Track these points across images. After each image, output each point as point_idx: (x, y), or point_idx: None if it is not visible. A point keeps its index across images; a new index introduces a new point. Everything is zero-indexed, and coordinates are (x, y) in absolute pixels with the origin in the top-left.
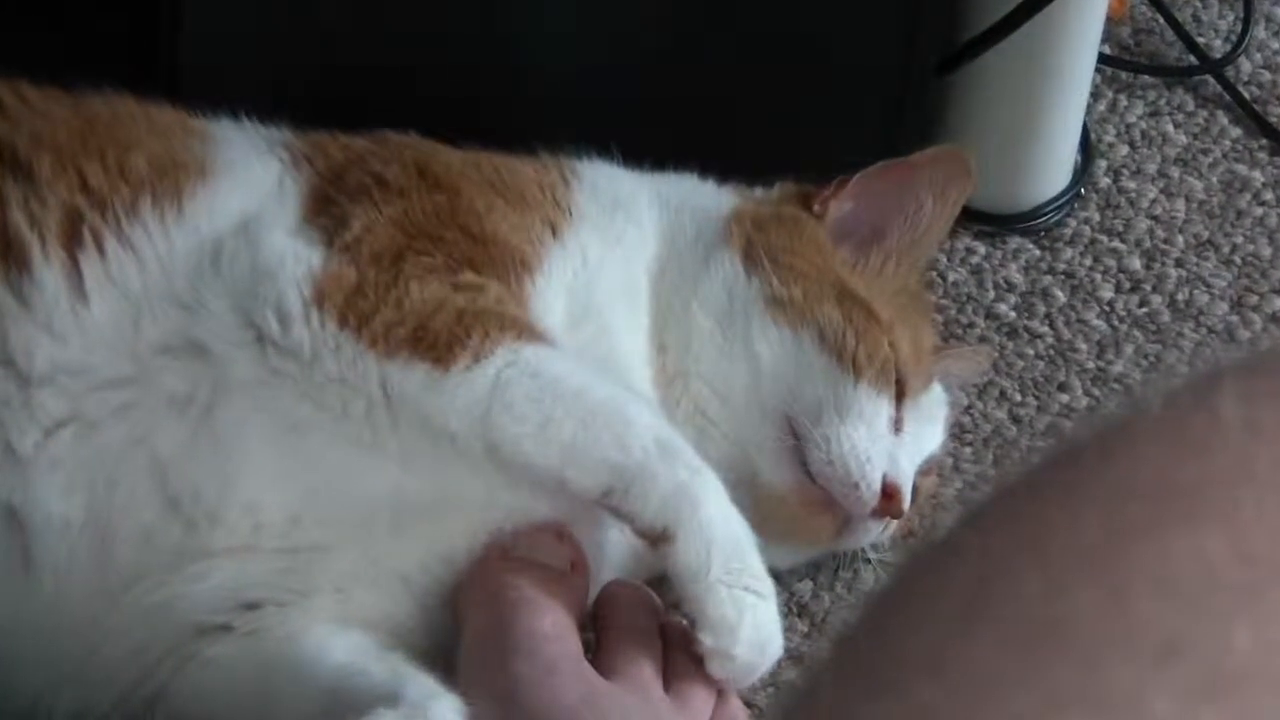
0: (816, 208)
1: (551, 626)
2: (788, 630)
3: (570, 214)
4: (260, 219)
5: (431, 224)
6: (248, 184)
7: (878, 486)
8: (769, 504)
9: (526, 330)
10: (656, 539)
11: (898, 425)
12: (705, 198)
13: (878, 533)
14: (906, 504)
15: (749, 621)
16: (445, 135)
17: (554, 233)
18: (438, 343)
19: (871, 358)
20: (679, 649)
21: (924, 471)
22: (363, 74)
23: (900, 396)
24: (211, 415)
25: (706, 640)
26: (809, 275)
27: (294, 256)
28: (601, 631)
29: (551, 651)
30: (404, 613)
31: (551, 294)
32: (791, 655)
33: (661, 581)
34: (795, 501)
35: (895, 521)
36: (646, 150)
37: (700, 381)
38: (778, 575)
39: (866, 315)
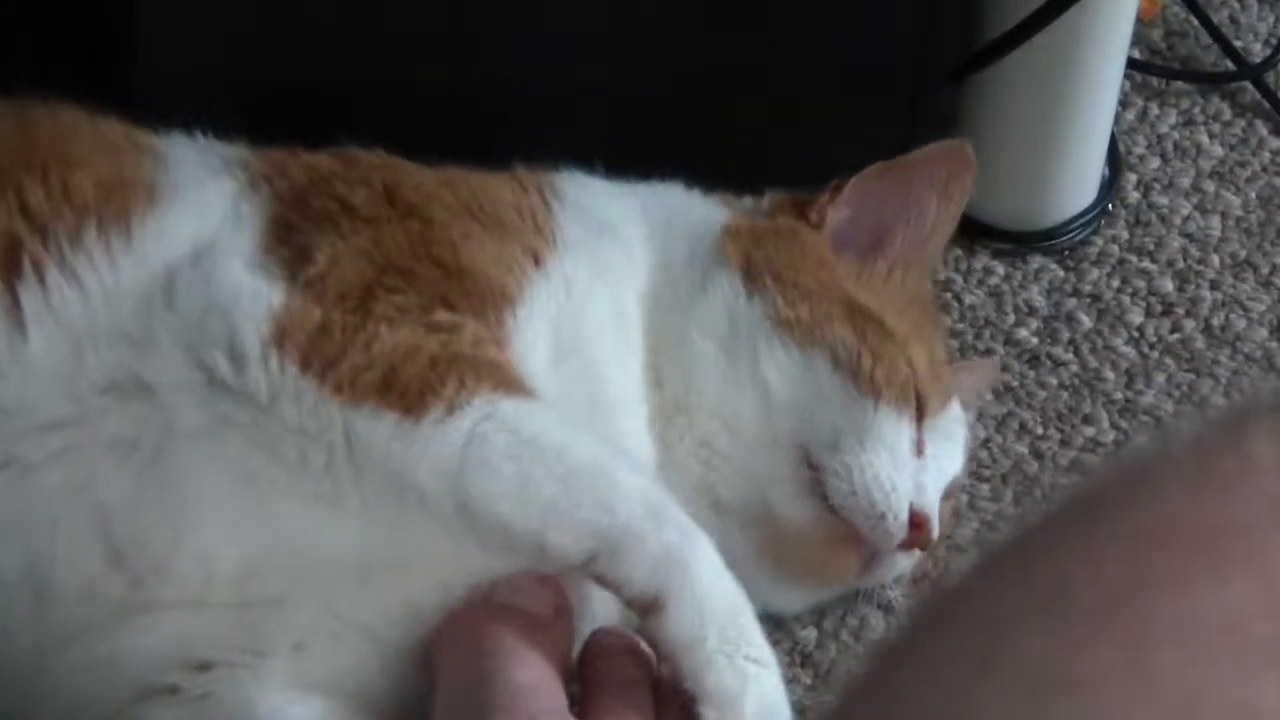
0: (813, 217)
1: (533, 679)
2: (791, 681)
3: (553, 240)
4: (215, 248)
5: (403, 256)
6: (201, 208)
7: (905, 516)
8: (787, 542)
9: (505, 380)
10: (647, 608)
11: (919, 448)
12: (695, 212)
13: (904, 566)
14: (935, 533)
15: (753, 693)
16: (416, 147)
17: (536, 261)
18: (408, 391)
19: (890, 378)
20: (673, 704)
21: (945, 496)
22: (329, 82)
23: (920, 417)
24: (158, 461)
25: (710, 715)
26: (815, 292)
27: (251, 293)
28: (588, 684)
29: (533, 707)
30: (369, 671)
31: (534, 329)
32: (795, 708)
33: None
34: (816, 538)
35: (920, 553)
36: (650, 154)
37: (704, 414)
38: (781, 622)
39: (880, 332)
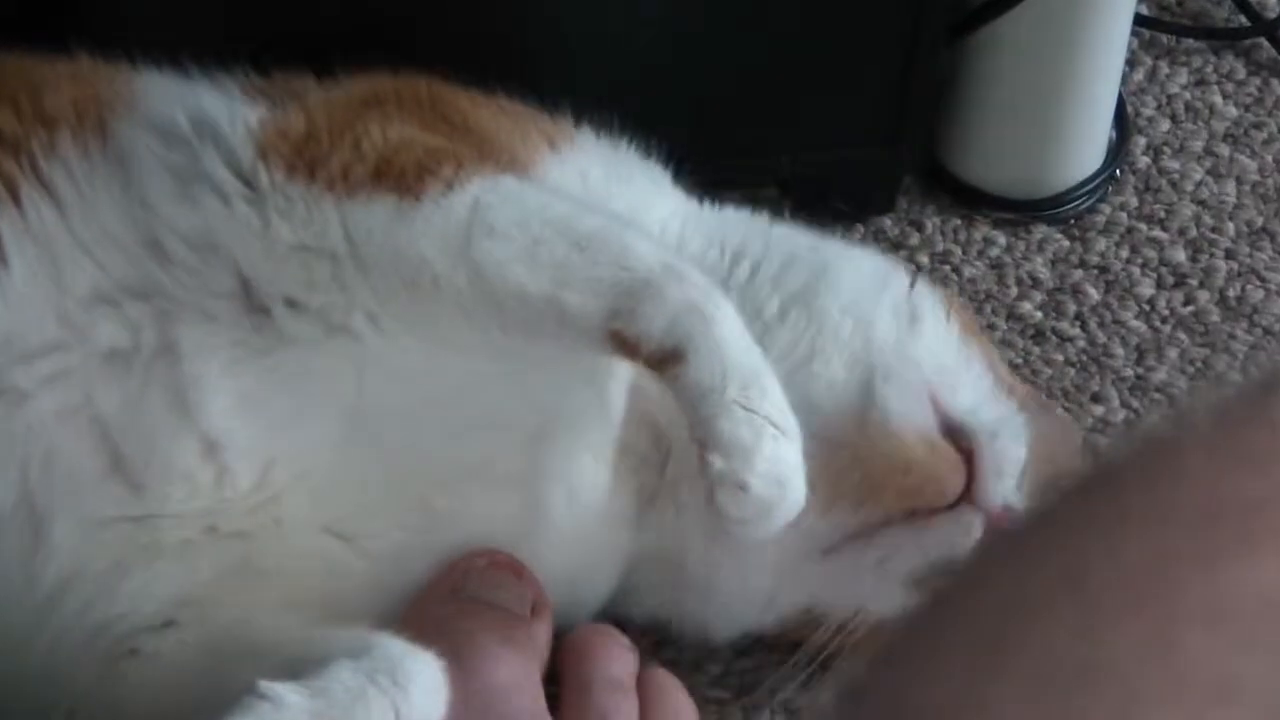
0: None
1: (508, 679)
2: (783, 679)
3: (571, 140)
4: (191, 105)
5: (406, 102)
6: (187, 94)
7: (1010, 493)
8: (878, 447)
9: (508, 168)
10: (666, 361)
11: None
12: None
13: (964, 540)
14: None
15: (767, 451)
16: None
17: (551, 145)
18: (405, 175)
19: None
20: (657, 705)
21: None
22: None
23: None
24: (163, 357)
25: (716, 463)
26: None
27: (228, 118)
28: (567, 684)
29: (508, 708)
30: (358, 596)
31: None
32: (791, 709)
33: (636, 628)
34: (923, 445)
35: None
36: (639, 116)
37: (832, 303)
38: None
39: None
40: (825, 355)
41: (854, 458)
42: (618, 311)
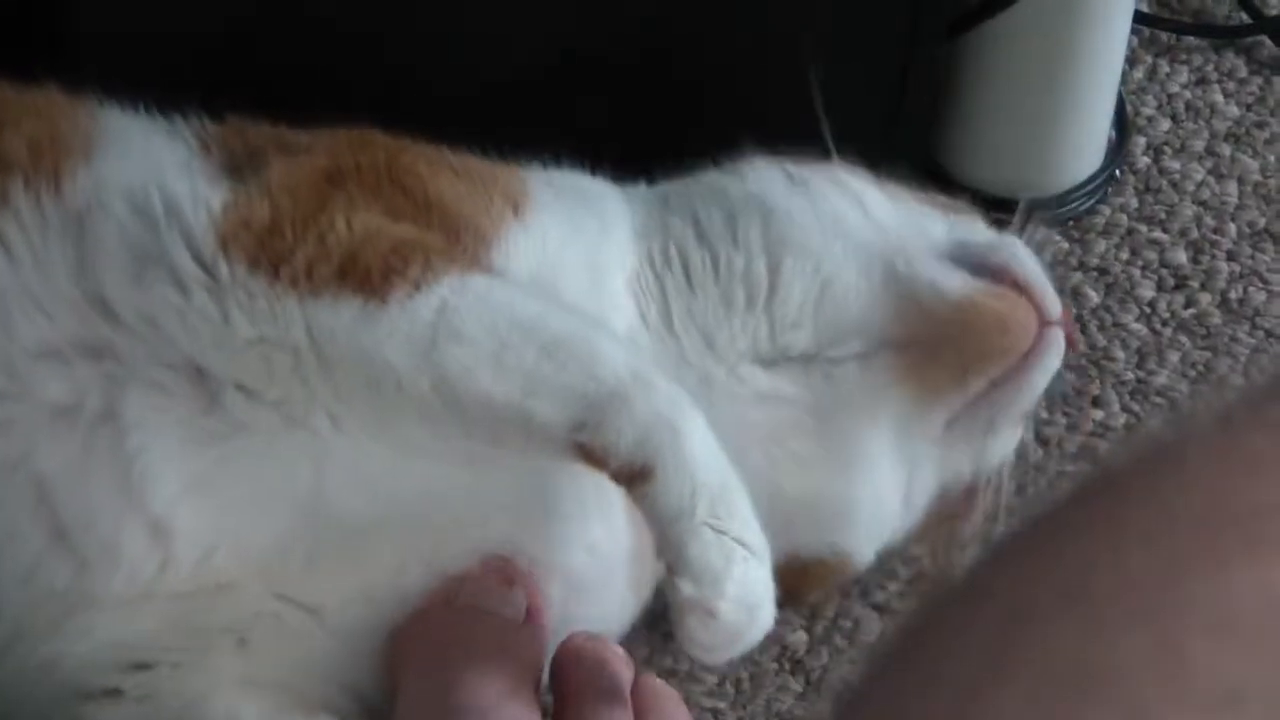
0: None
1: (501, 690)
2: (780, 689)
3: (529, 196)
4: (155, 174)
5: (365, 177)
6: (144, 154)
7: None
8: (948, 323)
9: (476, 264)
10: (633, 477)
11: None
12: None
13: (1058, 360)
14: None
15: (737, 574)
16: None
17: (515, 211)
18: (370, 274)
19: None
20: (653, 716)
21: None
22: (281, 69)
23: None
24: (107, 423)
25: (685, 588)
26: None
27: (191, 201)
28: (561, 694)
29: (502, 718)
30: (322, 664)
31: (511, 278)
32: (784, 718)
33: (634, 636)
34: (988, 294)
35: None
36: (639, 117)
37: (807, 235)
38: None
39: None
40: (838, 277)
41: (937, 342)
42: (584, 424)
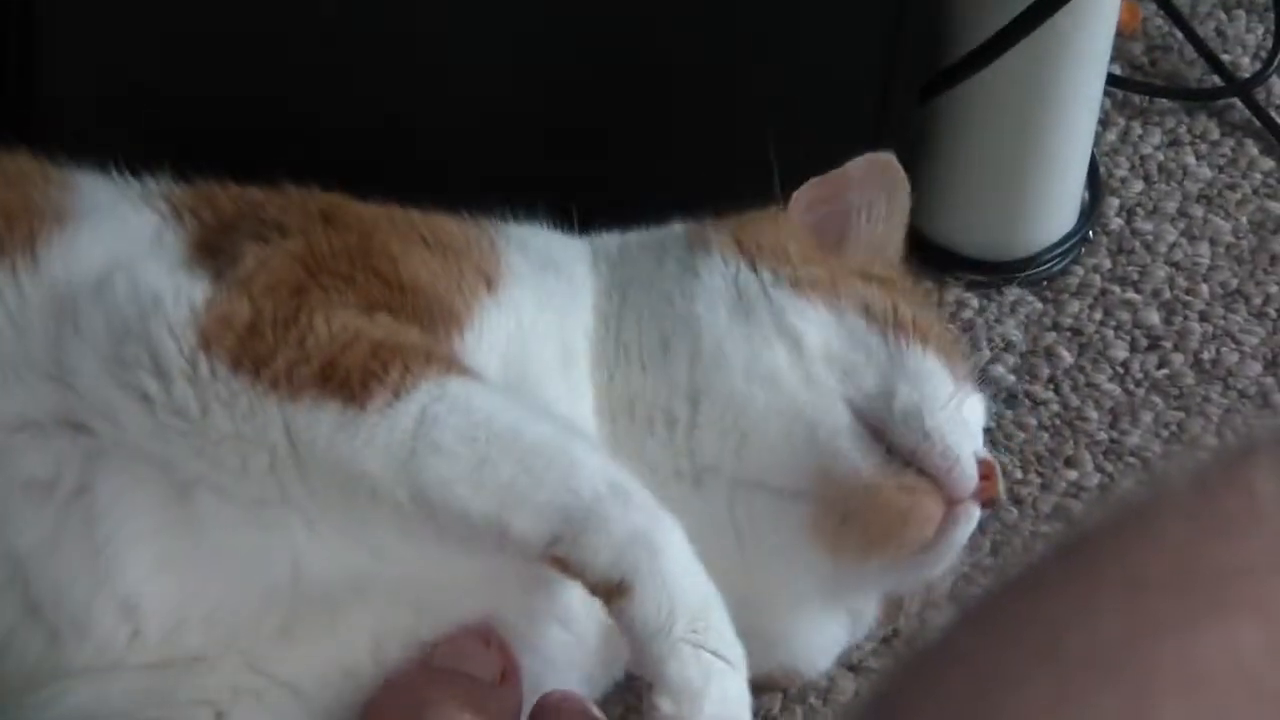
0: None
1: None
2: None
3: (501, 267)
4: (132, 260)
5: (339, 263)
6: (117, 230)
7: (973, 463)
8: (854, 501)
9: (454, 365)
10: (611, 593)
11: (956, 402)
12: (651, 233)
13: (970, 529)
14: (1000, 486)
15: (715, 692)
16: (344, 185)
17: (488, 286)
18: (350, 379)
19: (929, 327)
20: None
21: None
22: (255, 126)
23: (951, 371)
24: (81, 498)
25: (665, 707)
26: (819, 260)
27: (173, 295)
28: None
29: None
30: None
31: (484, 357)
32: None
33: (609, 695)
34: (891, 485)
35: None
36: (608, 175)
37: (729, 377)
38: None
39: (903, 290)
40: (757, 431)
41: (846, 513)
42: (560, 538)
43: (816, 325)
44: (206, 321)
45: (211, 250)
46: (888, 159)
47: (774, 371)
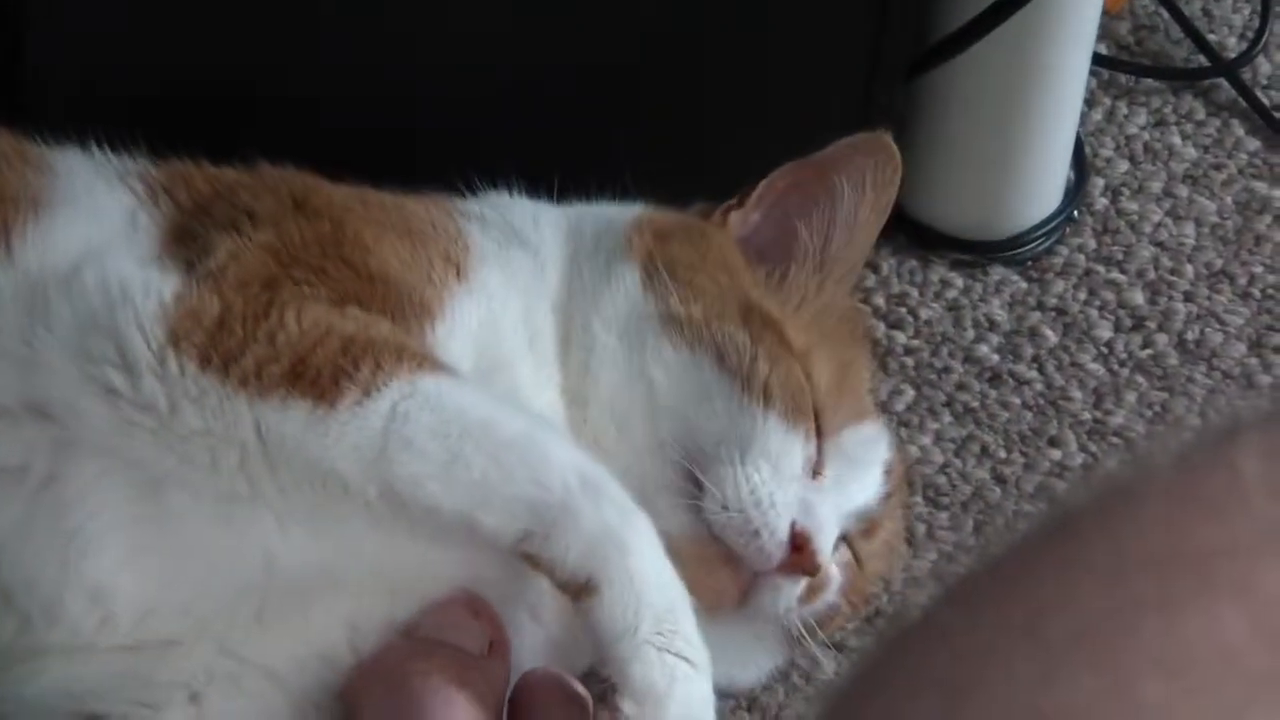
0: (717, 218)
1: None
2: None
3: (469, 252)
4: (103, 250)
5: (311, 254)
6: (92, 217)
7: (784, 535)
8: (673, 557)
9: (425, 360)
10: (578, 591)
11: (815, 468)
12: (611, 211)
13: (791, 596)
14: (822, 558)
15: (679, 694)
16: (322, 163)
17: (458, 274)
18: (320, 377)
19: (783, 386)
20: None
21: (864, 531)
22: (228, 96)
23: (820, 435)
24: (49, 487)
25: (628, 709)
26: (711, 292)
27: (142, 289)
28: None
29: None
30: (277, 718)
31: (458, 346)
32: None
33: (591, 674)
34: (691, 555)
35: (809, 581)
36: (594, 159)
37: (599, 408)
38: None
39: (777, 339)
40: (611, 463)
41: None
42: (531, 534)
43: (670, 370)
44: (175, 317)
45: (184, 237)
46: (875, 138)
47: (627, 413)
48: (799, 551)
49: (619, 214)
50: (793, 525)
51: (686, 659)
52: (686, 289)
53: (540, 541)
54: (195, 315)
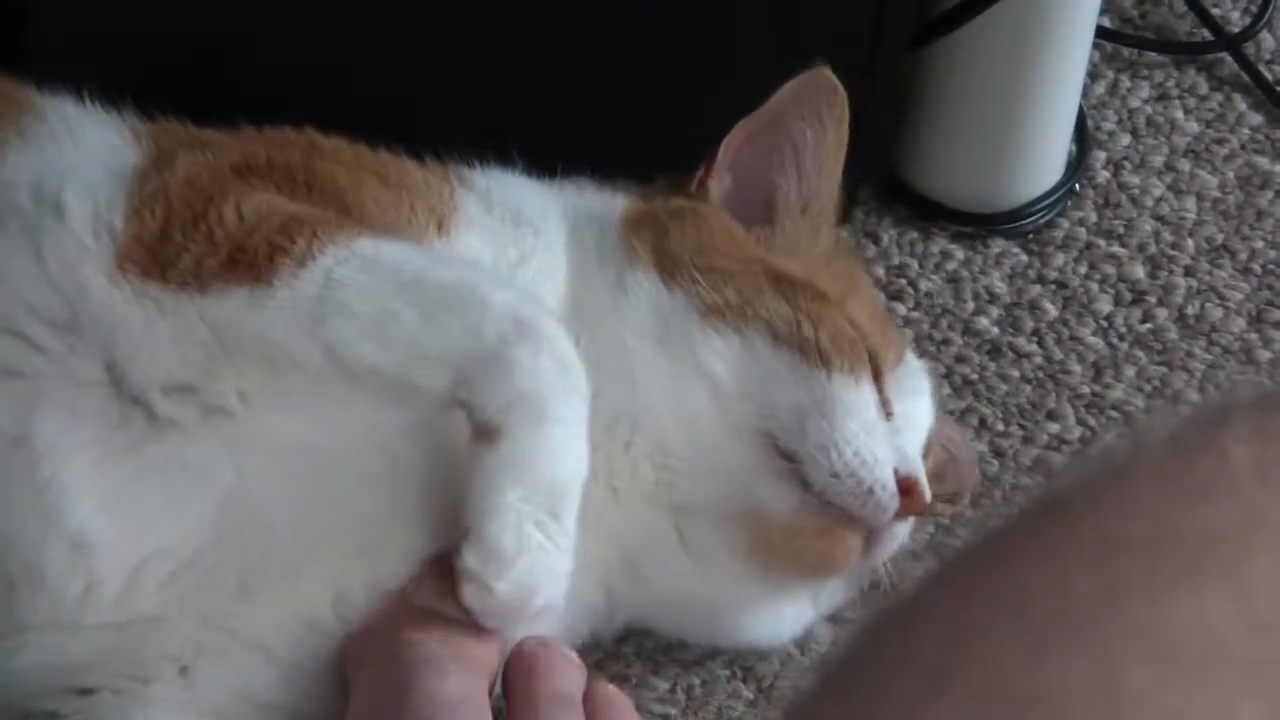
0: (694, 190)
1: (456, 691)
2: (731, 696)
3: (458, 214)
4: (71, 183)
5: (277, 170)
6: (67, 152)
7: (894, 486)
8: (779, 539)
9: (367, 226)
10: (482, 435)
11: (886, 409)
12: (595, 208)
13: (903, 535)
14: (928, 495)
15: (525, 564)
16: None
17: (439, 228)
18: (256, 259)
19: (836, 341)
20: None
21: (925, 453)
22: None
23: (877, 376)
24: (20, 447)
25: (470, 560)
26: (734, 270)
27: (93, 218)
28: (513, 698)
29: None
30: (267, 690)
31: None
32: None
33: (587, 641)
34: (809, 527)
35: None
36: (590, 130)
37: (655, 416)
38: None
39: (813, 295)
40: (681, 471)
41: (771, 546)
42: (464, 381)
43: (727, 359)
44: (122, 243)
45: (160, 165)
46: (817, 75)
47: (696, 414)
48: (908, 495)
49: (605, 210)
50: (896, 472)
51: (547, 535)
52: (711, 275)
53: (469, 389)
54: (137, 235)
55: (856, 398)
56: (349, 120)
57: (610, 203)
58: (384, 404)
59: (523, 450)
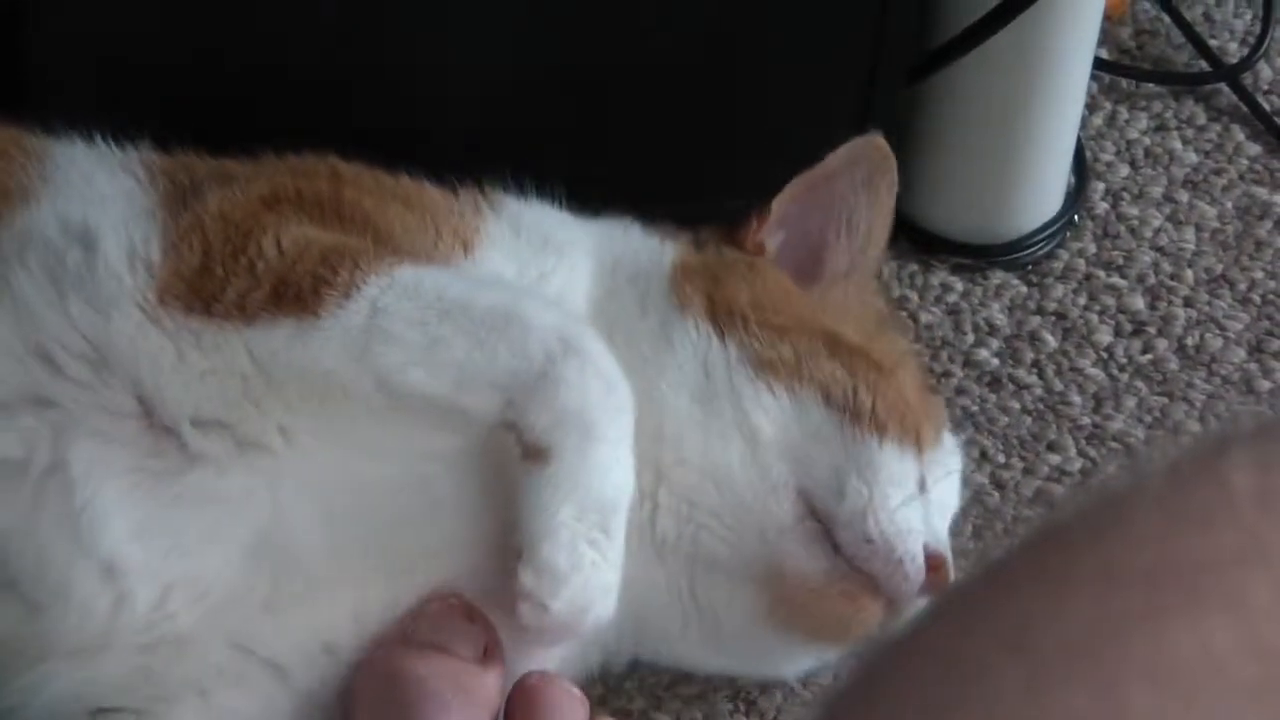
0: (751, 246)
1: None
2: None
3: (482, 236)
4: (98, 219)
5: (306, 201)
6: (86, 196)
7: (923, 559)
8: (798, 600)
9: (408, 259)
10: (532, 455)
11: (922, 485)
12: (641, 252)
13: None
14: (952, 575)
15: (579, 581)
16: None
17: (465, 250)
18: (301, 291)
19: (890, 410)
20: None
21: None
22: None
23: (920, 449)
24: (55, 474)
25: (526, 579)
26: (791, 328)
27: (129, 254)
28: None
29: None
30: (281, 717)
31: None
32: None
33: (589, 675)
34: (832, 592)
35: None
36: (593, 164)
37: (684, 470)
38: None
39: (869, 363)
40: (707, 528)
41: (790, 609)
42: (512, 402)
43: (774, 416)
44: (161, 277)
45: (182, 198)
46: (870, 141)
47: (729, 469)
48: (935, 572)
49: (652, 257)
50: (926, 548)
51: (600, 550)
52: (767, 331)
53: (519, 410)
54: (177, 270)
55: (899, 467)
56: (372, 144)
57: (658, 249)
58: (430, 430)
59: (572, 469)
